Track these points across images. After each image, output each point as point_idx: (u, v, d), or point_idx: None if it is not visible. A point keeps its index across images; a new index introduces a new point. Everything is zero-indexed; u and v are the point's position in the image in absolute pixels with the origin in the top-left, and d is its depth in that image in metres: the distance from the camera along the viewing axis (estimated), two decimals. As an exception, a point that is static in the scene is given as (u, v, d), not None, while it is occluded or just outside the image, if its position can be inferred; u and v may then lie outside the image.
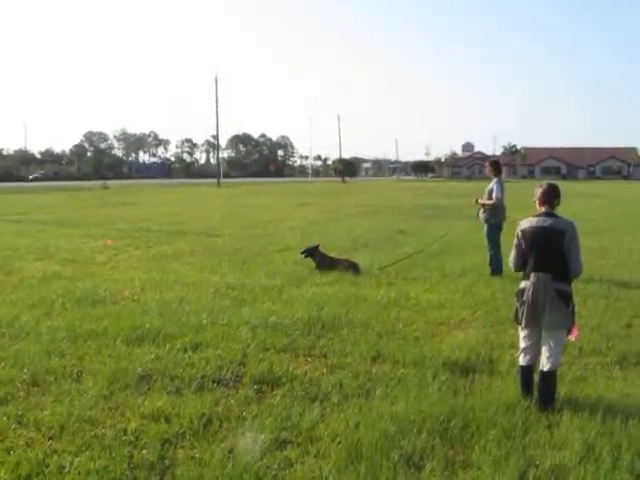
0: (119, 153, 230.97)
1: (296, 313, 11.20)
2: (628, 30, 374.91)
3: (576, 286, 12.44)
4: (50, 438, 6.50)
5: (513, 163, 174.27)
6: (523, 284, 7.67)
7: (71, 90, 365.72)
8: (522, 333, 7.77)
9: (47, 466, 5.91)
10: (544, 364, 7.45)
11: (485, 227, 15.95)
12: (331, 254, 17.03)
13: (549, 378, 7.41)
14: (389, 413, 7.05)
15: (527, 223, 7.73)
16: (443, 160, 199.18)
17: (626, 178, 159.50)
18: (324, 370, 8.63)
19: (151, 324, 10.36)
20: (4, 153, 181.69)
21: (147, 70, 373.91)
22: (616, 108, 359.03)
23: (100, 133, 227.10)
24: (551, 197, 7.75)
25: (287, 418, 6.98)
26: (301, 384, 8.01)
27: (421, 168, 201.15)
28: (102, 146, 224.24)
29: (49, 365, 8.52)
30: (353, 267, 15.95)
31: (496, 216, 15.76)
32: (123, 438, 6.48)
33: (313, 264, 16.32)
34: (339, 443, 6.38)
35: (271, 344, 9.59)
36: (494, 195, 15.68)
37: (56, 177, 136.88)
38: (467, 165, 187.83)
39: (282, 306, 11.88)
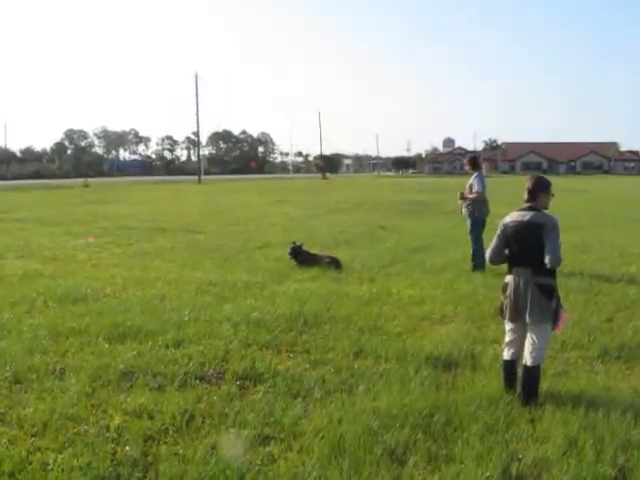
0: (99, 151, 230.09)
1: (278, 309, 11.20)
2: (607, 28, 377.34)
3: (558, 280, 12.50)
4: (33, 435, 6.48)
5: (494, 158, 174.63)
6: (507, 278, 7.70)
7: (51, 88, 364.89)
8: (507, 327, 7.81)
9: (30, 463, 5.89)
10: (527, 359, 7.47)
11: (469, 222, 15.98)
12: (313, 250, 17.03)
13: (532, 373, 7.42)
14: (372, 408, 7.07)
15: (509, 217, 7.72)
16: (424, 156, 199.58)
17: (607, 173, 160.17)
18: (306, 366, 8.63)
19: (133, 321, 10.34)
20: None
21: (128, 67, 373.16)
22: (596, 103, 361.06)
23: (80, 131, 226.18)
24: (534, 191, 7.65)
25: (270, 414, 6.98)
26: (284, 380, 8.00)
27: (402, 164, 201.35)
28: (82, 144, 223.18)
29: (31, 363, 8.48)
30: (335, 263, 15.97)
31: (479, 210, 15.80)
32: (106, 435, 6.46)
33: (295, 261, 16.34)
34: (322, 438, 6.38)
35: (253, 340, 9.58)
36: (474, 190, 15.73)
37: (37, 175, 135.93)
38: (448, 161, 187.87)
39: (264, 302, 11.88)
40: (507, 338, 7.81)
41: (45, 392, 7.54)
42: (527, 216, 7.52)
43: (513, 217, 7.68)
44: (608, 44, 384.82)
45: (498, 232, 7.83)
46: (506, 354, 7.77)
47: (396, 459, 6.03)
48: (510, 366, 7.70)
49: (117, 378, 7.98)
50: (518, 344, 7.67)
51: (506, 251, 7.77)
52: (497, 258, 7.92)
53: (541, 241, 7.34)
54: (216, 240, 22.34)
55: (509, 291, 7.59)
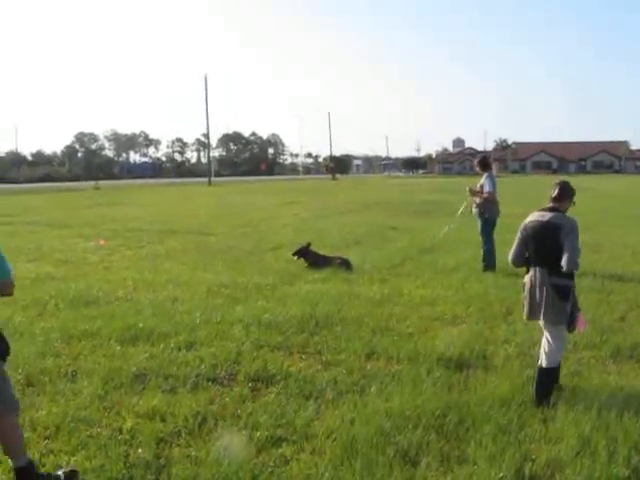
0: (110, 153, 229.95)
1: (289, 311, 11.20)
2: (613, 29, 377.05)
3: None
4: (46, 438, 6.51)
5: (504, 158, 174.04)
6: (525, 278, 7.73)
7: (62, 91, 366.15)
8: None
9: (44, 466, 5.92)
10: (542, 360, 7.51)
11: (479, 223, 15.95)
12: (323, 251, 17.03)
13: (546, 374, 7.44)
14: (384, 409, 7.07)
15: (529, 218, 7.75)
16: (434, 156, 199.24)
17: (617, 172, 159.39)
18: (318, 367, 8.64)
19: (145, 323, 10.35)
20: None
21: (137, 70, 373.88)
22: (606, 102, 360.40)
23: (91, 134, 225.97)
24: (561, 194, 7.66)
25: (282, 415, 6.99)
26: (296, 381, 8.02)
27: (412, 164, 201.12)
28: (93, 147, 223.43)
29: (44, 365, 8.51)
30: (345, 264, 15.96)
31: (490, 211, 15.76)
32: (119, 437, 6.49)
33: (305, 262, 16.34)
34: (334, 440, 6.39)
35: (265, 342, 9.59)
36: (485, 190, 15.70)
37: (47, 178, 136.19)
38: (458, 161, 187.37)
39: (275, 304, 11.88)
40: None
41: (58, 395, 7.57)
42: (547, 216, 7.52)
43: (533, 217, 7.70)
44: (612, 43, 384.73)
45: (518, 234, 7.83)
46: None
47: (409, 460, 6.03)
48: None
49: (129, 380, 8.00)
50: None
51: (527, 254, 7.78)
52: (518, 260, 7.91)
53: (558, 242, 7.33)
54: (227, 242, 22.34)
55: (526, 291, 7.63)
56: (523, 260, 7.83)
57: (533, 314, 7.58)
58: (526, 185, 71.91)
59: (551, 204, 7.64)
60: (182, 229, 27.14)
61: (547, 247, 7.42)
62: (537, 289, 7.47)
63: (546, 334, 7.54)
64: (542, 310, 7.42)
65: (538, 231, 7.53)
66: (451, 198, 42.08)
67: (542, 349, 7.57)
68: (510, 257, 8.00)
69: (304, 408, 7.18)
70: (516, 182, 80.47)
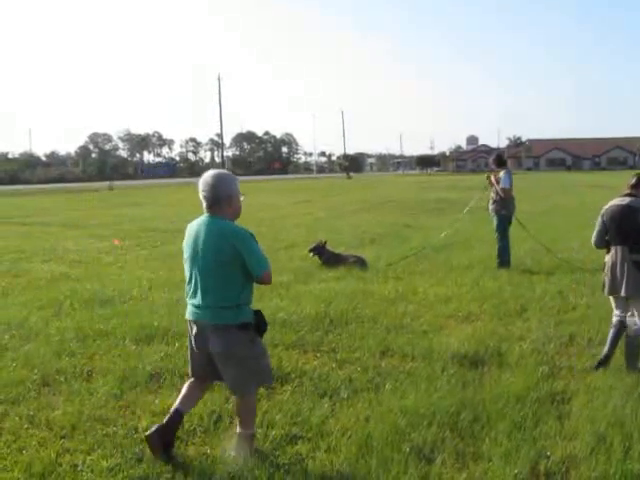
0: (124, 154, 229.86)
1: (304, 309, 11.22)
2: (626, 25, 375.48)
3: (584, 277, 12.43)
4: (62, 437, 6.53)
5: (518, 155, 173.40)
6: (606, 258, 8.49)
7: (75, 93, 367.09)
8: (612, 300, 8.60)
9: (60, 465, 5.94)
10: (630, 329, 8.21)
11: (495, 220, 15.87)
12: (337, 250, 17.03)
13: (633, 343, 8.20)
14: (399, 407, 7.06)
15: (608, 204, 8.52)
16: (448, 154, 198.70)
17: (632, 168, 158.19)
18: (333, 365, 8.65)
19: (160, 323, 10.38)
20: (10, 157, 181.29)
21: (149, 71, 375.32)
22: (619, 98, 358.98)
23: (104, 134, 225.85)
24: (637, 183, 8.50)
25: (297, 413, 7.00)
26: (310, 379, 8.03)
27: (426, 162, 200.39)
28: (106, 147, 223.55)
29: (59, 365, 8.55)
30: (360, 262, 15.96)
31: (507, 207, 15.69)
32: (134, 436, 6.51)
33: (319, 260, 16.35)
34: (349, 437, 6.40)
35: (280, 340, 9.60)
36: (501, 186, 15.62)
37: (62, 179, 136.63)
38: (472, 158, 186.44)
39: (290, 302, 11.89)
40: (615, 309, 8.55)
41: (73, 394, 7.60)
42: (626, 200, 8.38)
43: (612, 202, 8.52)
44: (620, 40, 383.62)
45: (599, 219, 8.61)
46: (615, 317, 8.50)
47: (424, 457, 6.02)
48: (618, 326, 8.40)
49: (145, 380, 8.03)
50: (625, 311, 8.39)
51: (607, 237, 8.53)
52: (599, 242, 8.68)
53: (636, 223, 8.14)
54: (241, 241, 22.25)
55: (607, 269, 8.36)
56: (604, 242, 8.60)
57: (614, 289, 8.29)
58: (535, 182, 71.60)
59: (628, 191, 8.45)
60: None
61: (626, 228, 8.23)
62: (618, 266, 8.20)
63: (632, 306, 8.27)
64: (624, 284, 8.11)
65: (617, 213, 8.33)
66: (465, 196, 41.96)
67: (629, 320, 8.28)
68: (592, 240, 8.80)
69: (319, 406, 7.20)
70: (528, 179, 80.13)
